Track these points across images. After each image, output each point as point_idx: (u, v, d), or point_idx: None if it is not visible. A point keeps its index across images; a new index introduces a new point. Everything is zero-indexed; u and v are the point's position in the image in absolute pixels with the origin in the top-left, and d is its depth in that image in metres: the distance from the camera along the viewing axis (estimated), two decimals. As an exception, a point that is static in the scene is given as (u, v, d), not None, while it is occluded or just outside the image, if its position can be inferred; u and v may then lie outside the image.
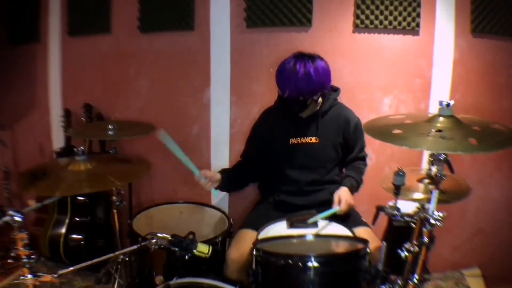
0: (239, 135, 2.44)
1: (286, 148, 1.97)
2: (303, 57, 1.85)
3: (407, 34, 2.34)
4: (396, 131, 1.40)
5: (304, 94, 1.84)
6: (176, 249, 1.40)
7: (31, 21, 2.75)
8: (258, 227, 1.84)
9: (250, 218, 2.01)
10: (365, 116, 2.06)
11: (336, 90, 2.03)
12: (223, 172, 1.95)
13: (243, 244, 1.79)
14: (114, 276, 1.92)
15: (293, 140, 1.97)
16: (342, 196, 1.83)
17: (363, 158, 2.07)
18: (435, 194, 1.40)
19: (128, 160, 1.86)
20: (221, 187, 1.93)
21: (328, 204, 1.97)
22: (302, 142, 1.96)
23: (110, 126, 1.97)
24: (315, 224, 1.75)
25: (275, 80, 1.89)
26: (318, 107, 1.97)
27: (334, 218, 1.83)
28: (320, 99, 1.95)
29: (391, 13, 2.29)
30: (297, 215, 1.81)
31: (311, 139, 1.96)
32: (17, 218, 1.31)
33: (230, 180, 1.97)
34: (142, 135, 2.14)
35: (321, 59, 1.89)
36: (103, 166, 1.65)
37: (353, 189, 1.93)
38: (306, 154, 1.96)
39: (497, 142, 1.34)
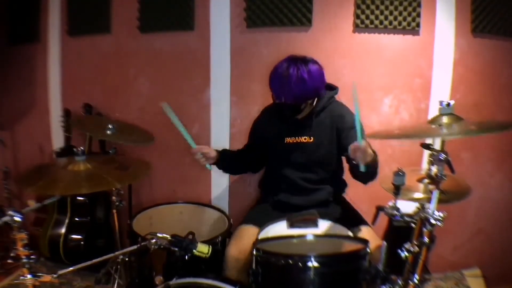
0: (239, 135, 2.44)
1: (282, 148, 1.97)
2: (296, 61, 1.81)
3: (407, 34, 2.33)
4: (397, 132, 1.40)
5: (298, 99, 1.83)
6: (176, 249, 1.40)
7: (31, 21, 2.75)
8: (258, 223, 1.84)
9: (250, 215, 2.02)
10: (365, 116, 2.06)
11: (334, 89, 2.00)
12: (223, 151, 2.02)
13: (243, 240, 1.79)
14: (114, 276, 1.91)
15: (288, 140, 1.97)
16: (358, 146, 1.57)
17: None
18: (435, 194, 1.40)
19: (128, 162, 1.86)
20: (217, 164, 2.00)
21: (327, 204, 1.97)
22: (297, 141, 1.96)
23: (110, 125, 1.97)
24: (315, 224, 1.75)
25: (269, 85, 1.87)
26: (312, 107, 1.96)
27: (334, 218, 1.82)
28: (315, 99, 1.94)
29: (391, 13, 2.29)
30: (297, 215, 1.81)
31: (305, 139, 1.95)
32: (17, 218, 1.31)
33: (228, 159, 2.04)
34: (141, 144, 2.18)
35: (314, 62, 1.85)
36: (103, 166, 1.65)
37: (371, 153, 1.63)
38: (301, 154, 1.96)
39: (498, 125, 1.34)
